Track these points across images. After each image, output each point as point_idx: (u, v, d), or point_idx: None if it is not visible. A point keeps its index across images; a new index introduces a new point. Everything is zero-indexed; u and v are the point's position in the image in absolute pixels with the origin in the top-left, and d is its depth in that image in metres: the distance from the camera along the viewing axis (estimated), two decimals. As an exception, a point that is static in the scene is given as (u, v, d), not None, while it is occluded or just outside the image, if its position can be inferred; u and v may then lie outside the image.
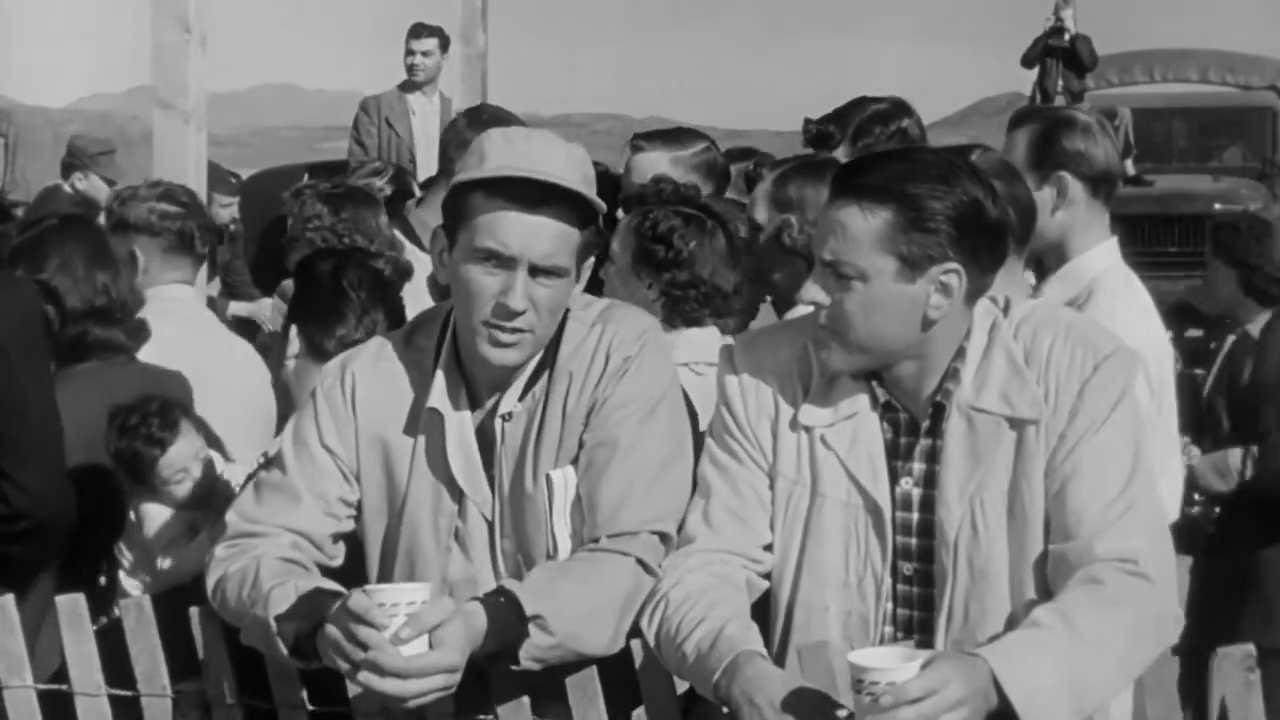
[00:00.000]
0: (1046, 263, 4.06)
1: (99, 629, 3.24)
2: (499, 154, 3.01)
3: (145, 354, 4.36)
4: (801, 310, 3.48)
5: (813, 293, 2.87)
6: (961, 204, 2.82)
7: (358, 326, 3.73)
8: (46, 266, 4.21)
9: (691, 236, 3.92)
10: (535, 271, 2.98)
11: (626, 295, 3.85)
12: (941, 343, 2.89)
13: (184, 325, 4.62)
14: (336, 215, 4.93)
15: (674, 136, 4.99)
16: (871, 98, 4.80)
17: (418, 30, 10.50)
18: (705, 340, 3.83)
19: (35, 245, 4.28)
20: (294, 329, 3.75)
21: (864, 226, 2.81)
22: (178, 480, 3.98)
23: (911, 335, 2.86)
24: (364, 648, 2.70)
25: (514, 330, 2.99)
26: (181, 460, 3.98)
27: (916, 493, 2.92)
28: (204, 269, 5.71)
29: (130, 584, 4.04)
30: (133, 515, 4.07)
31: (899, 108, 4.76)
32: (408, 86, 10.69)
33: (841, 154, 4.65)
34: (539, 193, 2.96)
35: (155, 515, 4.03)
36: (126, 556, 4.07)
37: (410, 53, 10.61)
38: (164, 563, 3.97)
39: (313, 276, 3.83)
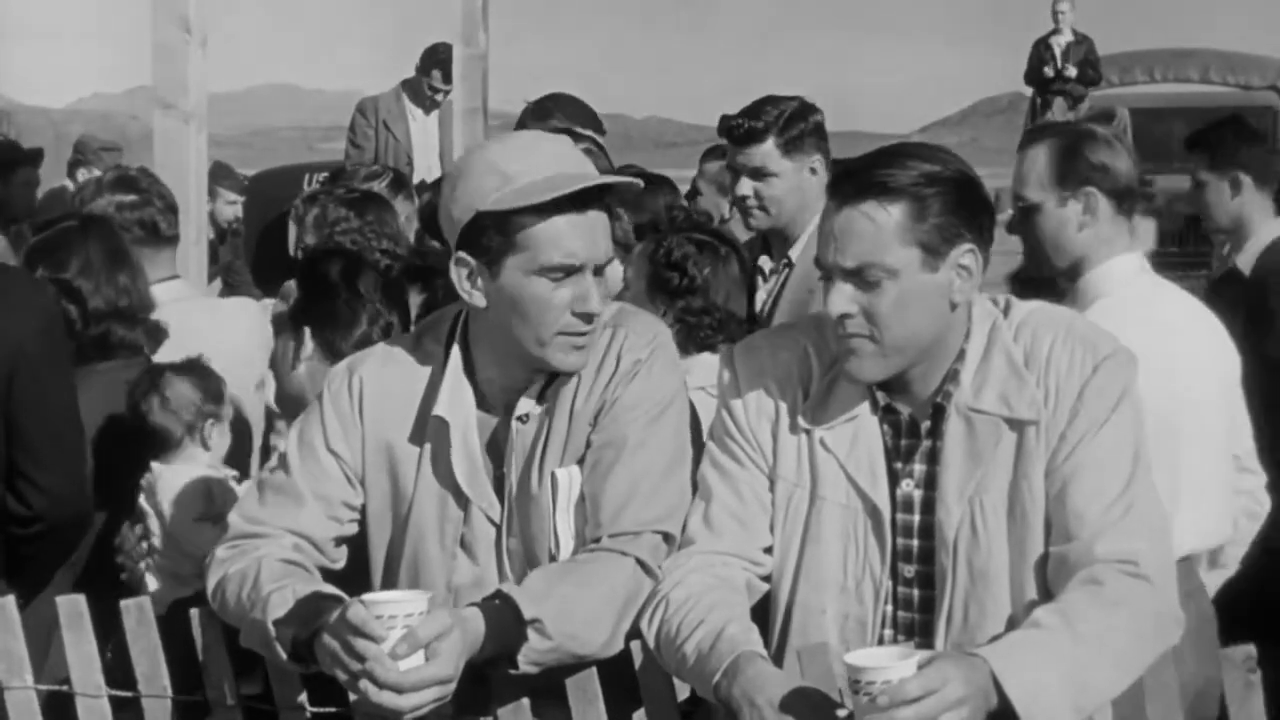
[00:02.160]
0: (1068, 278, 3.96)
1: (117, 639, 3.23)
2: (523, 165, 2.96)
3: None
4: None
5: (840, 305, 2.84)
6: (959, 180, 2.86)
7: (372, 328, 3.73)
8: (68, 267, 4.26)
9: (705, 263, 3.96)
10: (597, 271, 3.00)
11: None
12: (947, 345, 2.90)
13: (180, 329, 4.62)
14: (362, 218, 4.94)
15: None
16: (777, 96, 4.93)
17: (449, 72, 10.20)
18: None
19: (55, 246, 4.32)
20: (307, 331, 3.75)
21: (885, 223, 2.81)
22: (191, 420, 4.06)
23: (942, 325, 2.87)
24: (361, 659, 2.70)
25: (589, 333, 3.00)
26: (181, 396, 4.08)
27: (917, 494, 2.92)
28: (204, 270, 5.71)
29: (150, 581, 4.05)
30: (145, 504, 4.07)
31: (809, 105, 4.92)
32: (417, 100, 10.61)
33: (769, 148, 4.79)
34: (586, 193, 2.95)
35: (170, 477, 4.04)
36: (148, 556, 4.07)
37: (435, 89, 10.52)
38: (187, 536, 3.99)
39: (323, 278, 3.82)
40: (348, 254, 4.17)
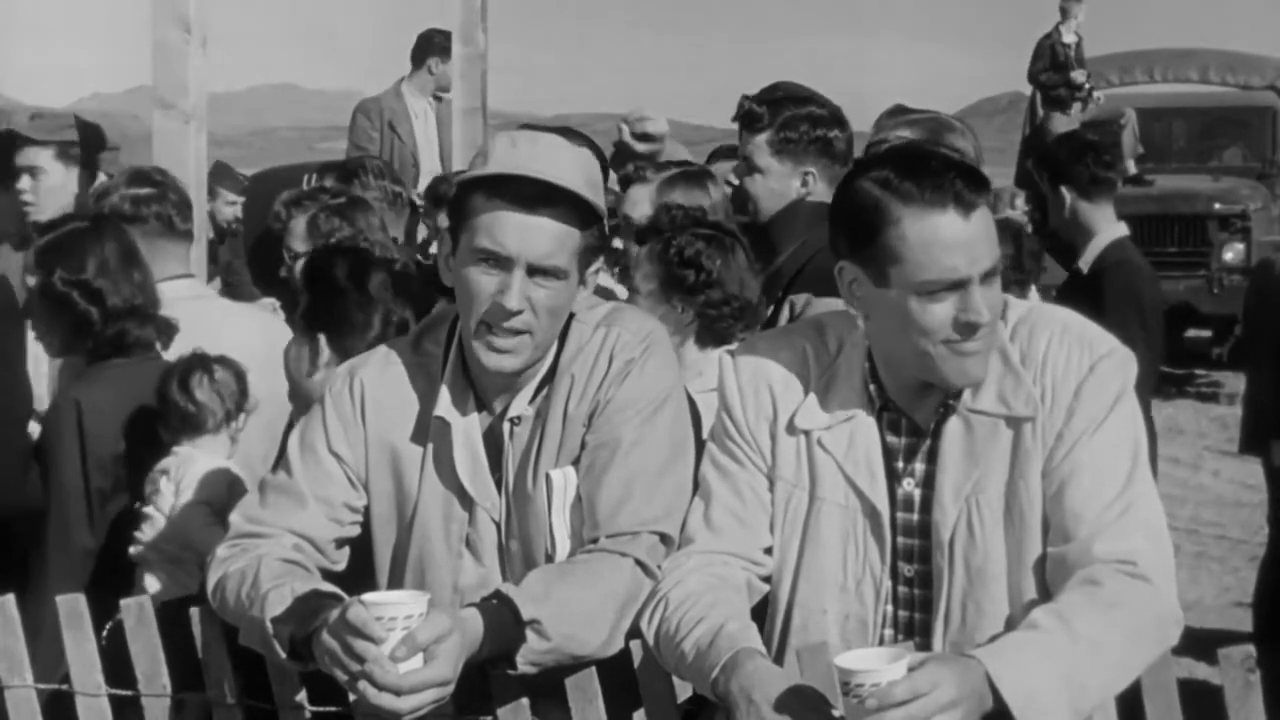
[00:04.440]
0: None
1: (111, 630, 3.24)
2: (501, 156, 3.01)
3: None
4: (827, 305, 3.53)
5: (988, 310, 2.80)
6: None
7: (386, 328, 3.74)
8: (86, 267, 4.33)
9: (716, 255, 4.02)
10: (533, 272, 2.98)
11: None
12: None
13: (193, 326, 4.64)
14: (354, 225, 4.94)
15: (561, 134, 5.03)
16: (818, 100, 4.76)
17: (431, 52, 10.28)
18: None
19: (70, 247, 4.37)
20: (323, 339, 3.74)
21: (991, 223, 2.82)
22: (230, 408, 4.14)
23: None
24: (361, 660, 2.70)
25: (510, 332, 2.99)
26: (226, 384, 4.15)
27: (917, 494, 2.92)
28: (204, 270, 5.71)
29: (151, 580, 4.05)
30: (163, 485, 4.06)
31: (835, 119, 4.71)
32: (419, 95, 10.56)
33: (763, 140, 4.64)
34: (537, 193, 2.96)
35: (200, 461, 4.06)
36: (158, 549, 4.07)
37: (434, 73, 10.48)
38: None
39: (331, 281, 3.80)
40: (354, 252, 4.17)
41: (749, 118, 4.70)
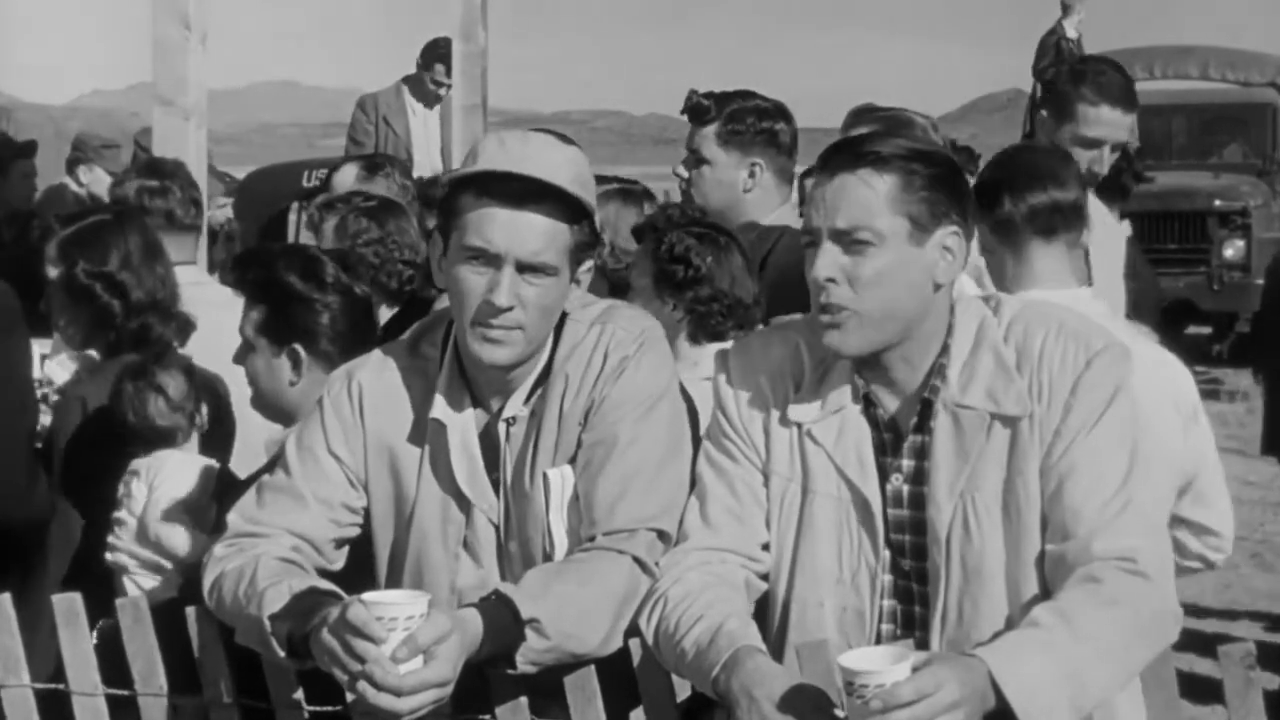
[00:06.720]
0: None
1: (104, 627, 3.23)
2: (490, 154, 3.01)
3: None
4: None
5: (826, 268, 2.85)
6: (948, 163, 2.91)
7: (351, 315, 3.71)
8: (109, 260, 4.33)
9: (707, 253, 4.06)
10: (523, 269, 2.98)
11: None
12: (928, 335, 2.90)
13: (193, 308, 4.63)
14: (383, 229, 4.92)
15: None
16: (760, 95, 4.85)
17: (451, 66, 10.25)
18: None
19: (93, 238, 4.37)
20: (300, 350, 3.68)
21: (879, 188, 2.83)
22: (191, 410, 4.07)
23: (923, 304, 2.88)
24: (361, 660, 2.69)
25: (502, 328, 2.99)
26: (178, 389, 4.08)
27: (906, 489, 2.92)
28: (204, 266, 5.71)
29: (130, 586, 4.02)
30: (135, 488, 4.04)
31: (779, 112, 4.80)
32: (419, 95, 10.56)
33: (710, 132, 4.72)
34: (525, 190, 2.96)
35: (174, 463, 4.03)
36: (134, 554, 4.04)
37: (438, 84, 10.48)
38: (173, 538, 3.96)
39: (288, 288, 3.72)
40: (296, 251, 4.09)
41: (696, 110, 4.77)
